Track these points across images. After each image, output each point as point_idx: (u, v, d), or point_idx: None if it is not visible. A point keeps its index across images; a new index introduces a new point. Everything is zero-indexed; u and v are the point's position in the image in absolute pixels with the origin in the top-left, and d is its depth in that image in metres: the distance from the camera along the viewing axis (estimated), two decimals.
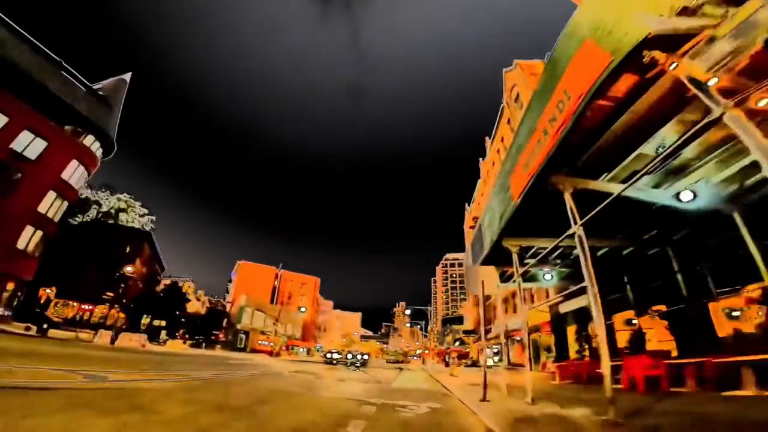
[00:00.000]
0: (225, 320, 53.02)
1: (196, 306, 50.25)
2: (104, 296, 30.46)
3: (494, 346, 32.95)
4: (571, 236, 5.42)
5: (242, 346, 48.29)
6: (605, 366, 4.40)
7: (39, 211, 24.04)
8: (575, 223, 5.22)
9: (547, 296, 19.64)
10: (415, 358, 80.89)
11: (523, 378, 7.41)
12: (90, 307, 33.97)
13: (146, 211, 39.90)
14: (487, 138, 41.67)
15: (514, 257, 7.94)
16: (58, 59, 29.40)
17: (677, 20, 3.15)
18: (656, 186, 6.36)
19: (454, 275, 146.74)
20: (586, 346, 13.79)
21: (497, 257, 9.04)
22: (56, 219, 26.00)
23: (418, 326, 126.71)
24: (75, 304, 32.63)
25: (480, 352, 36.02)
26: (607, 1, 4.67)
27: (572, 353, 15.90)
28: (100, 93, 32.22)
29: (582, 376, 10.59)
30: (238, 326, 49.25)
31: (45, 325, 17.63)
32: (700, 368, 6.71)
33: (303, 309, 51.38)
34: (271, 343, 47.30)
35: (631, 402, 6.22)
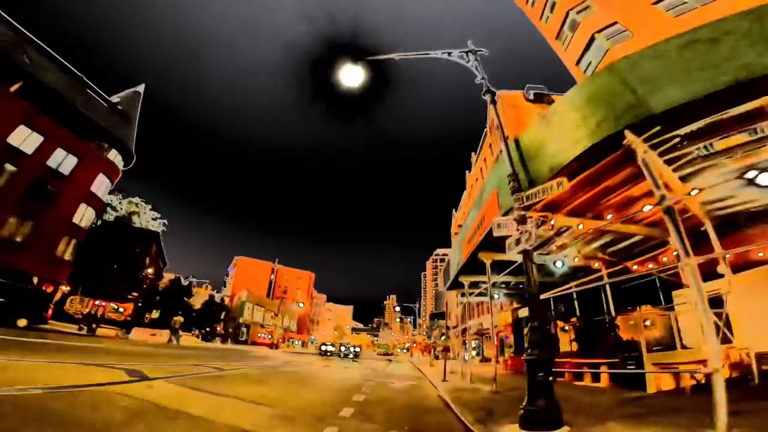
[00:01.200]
0: (224, 313, 56.44)
1: (191, 300, 53.39)
2: (129, 296, 33.80)
3: (473, 342, 37.51)
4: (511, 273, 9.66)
5: (244, 338, 52.03)
6: (494, 361, 8.46)
7: (73, 222, 27.19)
8: (488, 281, 9.26)
9: (511, 304, 24.02)
10: (403, 351, 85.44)
11: (482, 368, 11.62)
12: (103, 304, 37.16)
13: (158, 215, 43.04)
14: (473, 153, 45.69)
15: (466, 288, 12.03)
16: (80, 74, 31.76)
17: (498, 218, 7.02)
18: (547, 255, 10.45)
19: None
20: None
21: (458, 285, 13.13)
22: (86, 227, 29.14)
23: (408, 319, 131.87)
24: (88, 300, 35.76)
25: (460, 347, 40.49)
26: (500, 174, 8.55)
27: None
28: (119, 107, 34.90)
29: (518, 367, 14.85)
30: (240, 320, 52.89)
31: (93, 325, 21.14)
32: (572, 366, 10.90)
33: (301, 304, 55.25)
34: (270, 336, 50.95)
35: (519, 383, 10.38)
